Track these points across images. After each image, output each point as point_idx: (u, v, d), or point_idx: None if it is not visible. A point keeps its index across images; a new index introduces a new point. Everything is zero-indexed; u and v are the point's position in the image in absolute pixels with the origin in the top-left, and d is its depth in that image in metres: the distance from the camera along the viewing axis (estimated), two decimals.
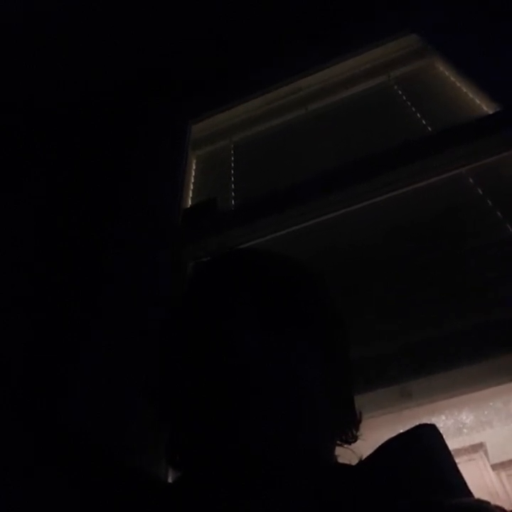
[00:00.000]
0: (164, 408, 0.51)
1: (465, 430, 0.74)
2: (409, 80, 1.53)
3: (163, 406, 0.51)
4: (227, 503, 0.41)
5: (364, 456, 0.45)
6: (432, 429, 0.46)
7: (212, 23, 1.80)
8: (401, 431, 0.45)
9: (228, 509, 0.41)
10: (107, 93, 1.89)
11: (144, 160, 1.65)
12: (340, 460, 0.49)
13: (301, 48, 1.73)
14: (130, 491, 0.47)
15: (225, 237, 1.20)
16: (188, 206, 1.44)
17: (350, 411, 0.53)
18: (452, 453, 0.45)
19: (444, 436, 0.46)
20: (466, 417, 0.75)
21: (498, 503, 0.39)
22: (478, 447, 0.70)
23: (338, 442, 0.51)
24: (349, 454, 0.49)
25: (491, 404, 0.74)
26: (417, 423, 0.46)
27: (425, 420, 0.48)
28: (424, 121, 1.32)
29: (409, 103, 1.42)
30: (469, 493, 0.41)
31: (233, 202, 1.40)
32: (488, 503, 0.38)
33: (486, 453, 0.69)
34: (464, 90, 1.34)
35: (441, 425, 0.67)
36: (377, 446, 0.44)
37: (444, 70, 1.46)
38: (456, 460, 0.44)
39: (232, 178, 1.51)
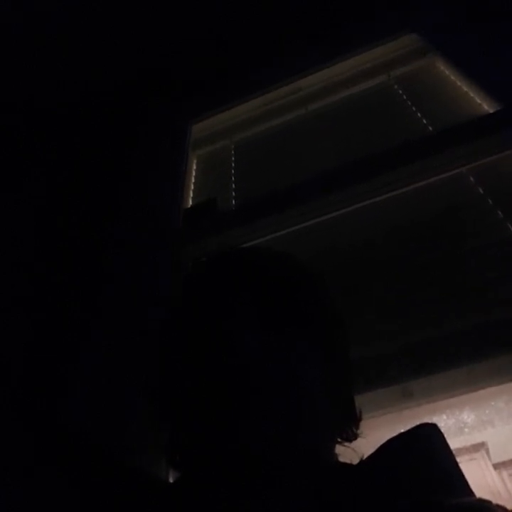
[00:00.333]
0: (164, 408, 0.51)
1: (466, 430, 0.74)
2: (410, 80, 1.53)
3: (163, 406, 0.51)
4: (227, 503, 0.41)
5: (365, 456, 0.44)
6: (433, 428, 0.46)
7: (212, 23, 1.80)
8: (402, 430, 0.45)
9: (228, 509, 0.41)
10: (107, 93, 1.89)
11: (144, 160, 1.65)
12: (342, 459, 0.49)
13: (301, 48, 1.73)
14: (130, 491, 0.47)
15: (225, 237, 1.20)
16: (189, 206, 1.44)
17: (351, 411, 0.53)
18: (454, 452, 0.45)
19: (446, 436, 0.46)
20: (467, 416, 0.75)
21: (500, 502, 0.39)
22: (479, 447, 0.70)
23: (339, 440, 0.51)
24: (350, 454, 0.49)
25: (492, 403, 0.74)
26: (418, 423, 0.46)
27: (426, 420, 0.48)
28: (424, 121, 1.32)
29: (409, 103, 1.42)
30: (471, 493, 0.41)
31: (233, 202, 1.40)
32: (489, 502, 0.38)
33: (487, 452, 0.69)
34: (465, 90, 1.34)
35: (442, 425, 0.67)
36: (378, 445, 0.44)
37: (445, 70, 1.46)
38: (458, 459, 0.44)
39: (233, 178, 1.51)
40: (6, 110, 1.86)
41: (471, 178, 1.08)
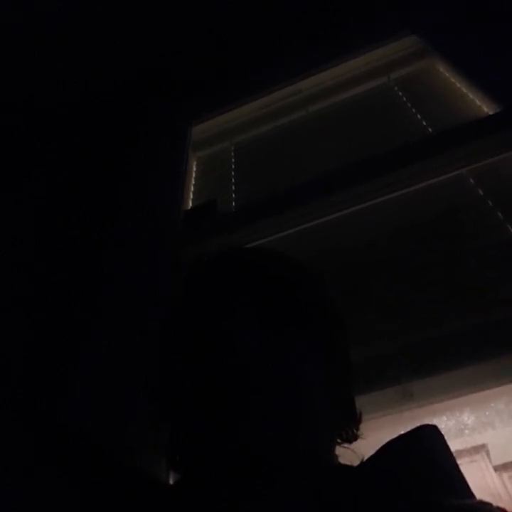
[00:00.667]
0: (164, 408, 0.51)
1: (466, 431, 0.74)
2: (410, 81, 1.54)
3: (163, 406, 0.51)
4: (227, 503, 0.41)
5: (365, 458, 0.44)
6: (434, 430, 0.46)
7: (212, 23, 1.80)
8: (402, 432, 0.45)
9: (228, 509, 0.41)
10: (107, 93, 1.89)
11: (144, 160, 1.65)
12: (342, 461, 0.48)
13: (301, 48, 1.73)
14: (130, 491, 0.47)
15: (226, 239, 1.20)
16: (189, 208, 1.44)
17: (351, 411, 0.53)
18: (454, 454, 0.45)
19: (446, 438, 0.46)
20: (468, 418, 0.75)
21: (500, 504, 0.39)
22: (479, 448, 0.70)
23: (339, 441, 0.51)
24: (350, 455, 0.48)
25: (492, 405, 0.74)
26: (418, 424, 0.46)
27: (426, 421, 0.48)
28: (424, 122, 1.32)
29: (409, 104, 1.42)
30: (472, 495, 0.41)
31: (234, 203, 1.40)
32: (490, 504, 0.38)
33: (487, 454, 0.69)
34: (464, 91, 1.34)
35: (442, 426, 0.67)
36: (379, 447, 0.44)
37: (444, 71, 1.46)
38: (458, 461, 0.44)
39: (233, 180, 1.51)
40: (6, 110, 1.86)
41: (471, 180, 1.08)
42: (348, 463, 0.47)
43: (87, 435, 0.71)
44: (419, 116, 1.35)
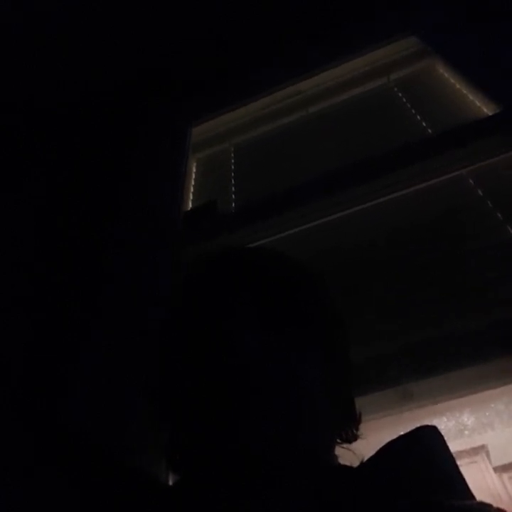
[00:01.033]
0: (164, 408, 0.51)
1: (466, 432, 0.74)
2: (409, 82, 1.54)
3: (163, 406, 0.51)
4: (227, 503, 0.41)
5: (365, 458, 0.44)
6: (433, 430, 0.46)
7: (212, 23, 1.80)
8: (402, 432, 0.45)
9: (228, 509, 0.41)
10: (107, 93, 1.89)
11: (144, 160, 1.65)
12: (342, 461, 0.48)
13: (301, 48, 1.73)
14: (130, 491, 0.47)
15: (226, 239, 1.20)
16: (189, 209, 1.44)
17: (350, 411, 0.53)
18: (454, 455, 0.45)
19: (445, 438, 0.46)
20: (468, 418, 0.75)
21: (500, 505, 0.39)
22: (479, 449, 0.70)
23: (339, 441, 0.51)
24: (351, 456, 0.48)
25: (492, 405, 0.74)
26: (418, 425, 0.46)
27: (426, 422, 0.47)
28: (424, 123, 1.32)
29: (409, 105, 1.42)
30: (471, 496, 0.41)
31: (233, 204, 1.40)
32: (490, 505, 0.38)
33: (487, 455, 0.69)
34: (464, 92, 1.34)
35: (442, 427, 0.66)
36: (379, 447, 0.44)
37: (444, 72, 1.46)
38: (458, 462, 0.44)
39: (233, 181, 1.51)
40: (6, 110, 1.86)
41: (471, 180, 1.08)
42: (348, 463, 0.47)
43: (87, 435, 0.71)
44: (419, 116, 1.35)
